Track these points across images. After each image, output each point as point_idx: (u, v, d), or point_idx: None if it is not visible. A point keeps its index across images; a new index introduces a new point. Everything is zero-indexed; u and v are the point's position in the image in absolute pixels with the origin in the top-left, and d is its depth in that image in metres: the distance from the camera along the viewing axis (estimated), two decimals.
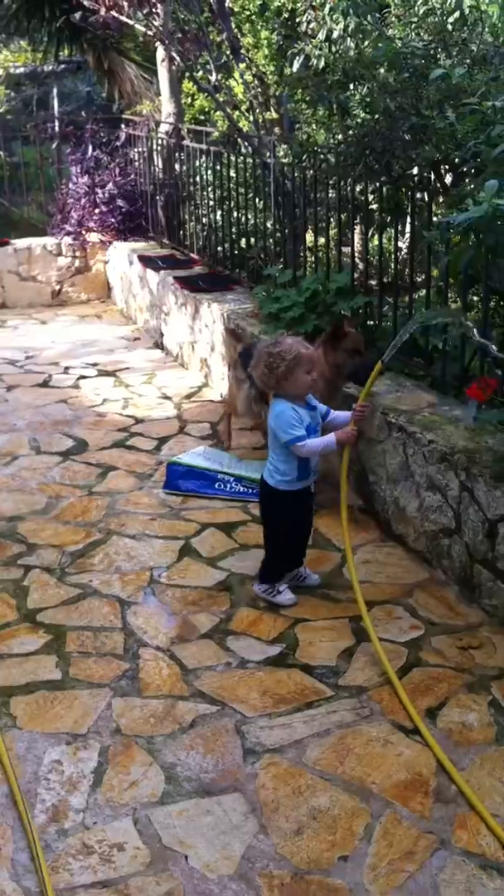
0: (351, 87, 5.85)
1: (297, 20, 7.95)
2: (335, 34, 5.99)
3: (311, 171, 6.00)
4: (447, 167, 4.93)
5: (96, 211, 9.63)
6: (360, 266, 6.45)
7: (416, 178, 5.14)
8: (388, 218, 5.40)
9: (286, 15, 8.74)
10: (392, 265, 5.40)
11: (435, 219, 4.57)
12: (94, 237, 9.67)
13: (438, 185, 5.02)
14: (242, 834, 2.80)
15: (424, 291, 5.12)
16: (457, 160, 4.53)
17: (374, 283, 5.97)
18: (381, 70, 4.83)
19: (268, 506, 4.12)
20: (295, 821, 2.85)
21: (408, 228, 5.50)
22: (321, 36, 6.26)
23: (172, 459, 5.39)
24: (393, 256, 5.38)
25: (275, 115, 9.52)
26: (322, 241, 6.32)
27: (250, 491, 5.06)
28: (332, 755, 3.13)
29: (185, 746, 3.18)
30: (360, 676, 3.56)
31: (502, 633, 3.81)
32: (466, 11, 4.91)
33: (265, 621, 3.96)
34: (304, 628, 3.90)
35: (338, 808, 2.90)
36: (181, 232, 8.85)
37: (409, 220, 5.22)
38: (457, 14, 5.07)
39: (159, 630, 3.88)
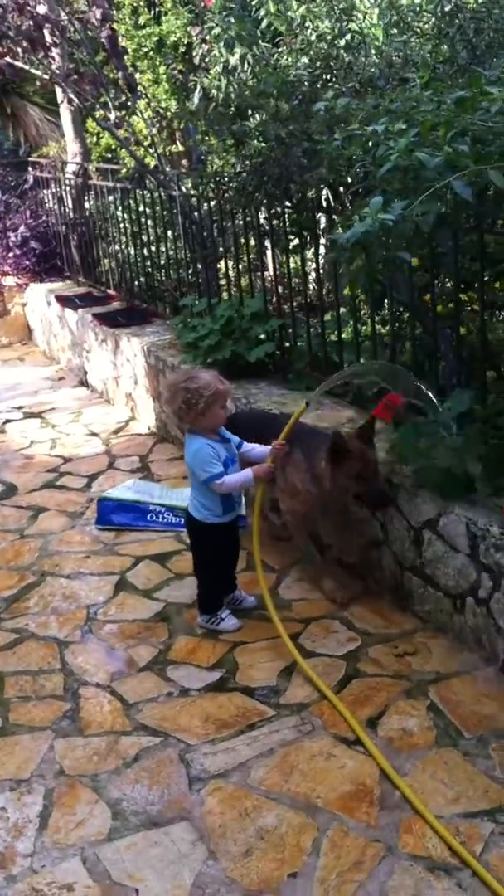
0: (249, 116, 5.97)
1: (193, 53, 8.08)
2: (231, 65, 6.10)
3: (216, 202, 6.09)
4: (344, 188, 5.05)
5: (10, 254, 9.62)
6: (275, 290, 6.53)
7: (314, 201, 5.25)
8: (296, 241, 5.50)
9: (183, 49, 8.87)
10: (303, 287, 5.50)
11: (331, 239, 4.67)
12: (9, 281, 9.66)
13: (339, 206, 5.13)
14: (192, 862, 2.81)
15: (337, 311, 5.22)
16: (351, 181, 4.64)
17: (288, 306, 6.07)
18: (272, 100, 4.94)
19: (197, 538, 4.15)
20: (243, 843, 2.87)
21: (313, 251, 5.59)
22: (217, 68, 6.37)
23: (103, 495, 5.39)
24: (303, 278, 5.47)
25: (181, 148, 9.62)
26: (233, 268, 6.41)
27: (182, 521, 5.08)
28: (276, 774, 3.16)
29: (129, 781, 3.18)
30: (301, 693, 3.60)
31: (436, 638, 3.89)
32: (349, 37, 5.04)
33: (204, 648, 3.98)
34: (243, 651, 3.93)
35: (285, 826, 2.93)
36: (97, 269, 8.89)
37: (316, 242, 5.31)
38: (345, 39, 5.21)
39: (99, 667, 3.88)
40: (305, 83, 4.76)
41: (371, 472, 3.97)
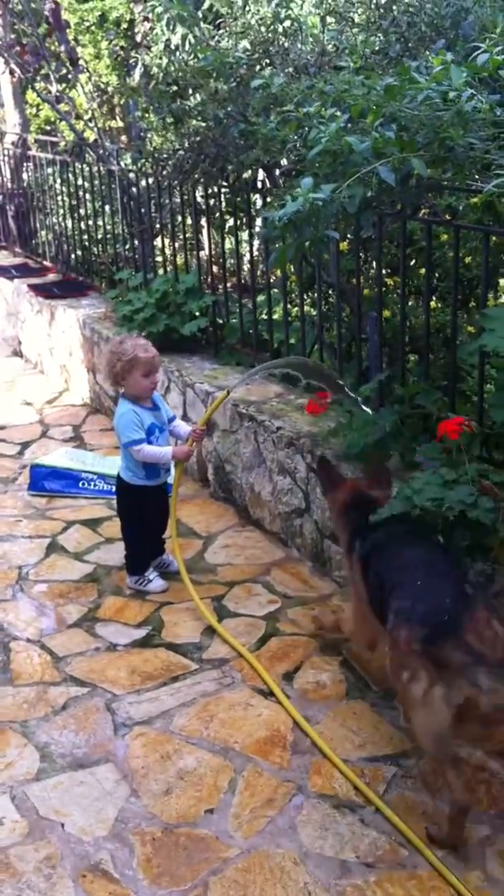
0: (188, 95, 6.10)
1: (136, 31, 8.17)
2: (172, 44, 6.22)
3: (154, 178, 6.22)
4: (278, 170, 5.23)
5: None
6: (209, 268, 6.69)
7: (250, 181, 5.42)
8: (231, 220, 5.67)
9: (125, 26, 8.94)
10: (237, 266, 5.67)
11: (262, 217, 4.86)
12: None
13: (273, 186, 5.31)
14: (115, 799, 3.00)
15: (271, 290, 5.41)
16: (285, 163, 4.83)
17: (221, 284, 6.23)
18: (211, 80, 5.08)
19: (124, 499, 4.32)
20: (164, 782, 3.06)
21: (252, 231, 5.76)
22: (159, 46, 6.48)
23: (36, 461, 5.51)
24: (237, 257, 5.65)
25: (121, 124, 9.69)
26: (170, 245, 6.54)
27: (113, 488, 5.24)
28: (197, 722, 3.35)
29: (58, 727, 3.35)
30: (223, 649, 3.79)
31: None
32: (287, 24, 5.21)
33: (131, 607, 4.15)
34: (169, 611, 4.11)
35: (203, 768, 3.13)
36: (33, 241, 8.93)
37: (251, 222, 5.48)
38: (281, 25, 5.37)
39: (29, 623, 4.03)
40: (244, 65, 4.91)
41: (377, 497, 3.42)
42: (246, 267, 5.84)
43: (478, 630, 2.57)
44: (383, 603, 2.99)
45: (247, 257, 5.77)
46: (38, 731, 3.32)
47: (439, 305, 5.19)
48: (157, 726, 3.34)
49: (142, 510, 4.27)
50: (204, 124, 5.11)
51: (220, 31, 6.19)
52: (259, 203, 5.74)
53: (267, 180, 5.47)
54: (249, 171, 5.22)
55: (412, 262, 5.12)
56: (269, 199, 5.14)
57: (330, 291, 5.16)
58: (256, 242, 6.37)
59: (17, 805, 2.98)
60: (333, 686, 3.54)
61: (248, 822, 2.89)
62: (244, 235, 5.60)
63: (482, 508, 3.04)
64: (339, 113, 3.67)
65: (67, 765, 3.16)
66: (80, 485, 5.37)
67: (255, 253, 5.41)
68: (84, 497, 5.30)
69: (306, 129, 3.76)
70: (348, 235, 4.49)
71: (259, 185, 5.42)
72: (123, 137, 9.90)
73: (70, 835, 2.85)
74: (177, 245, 6.33)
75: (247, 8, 5.99)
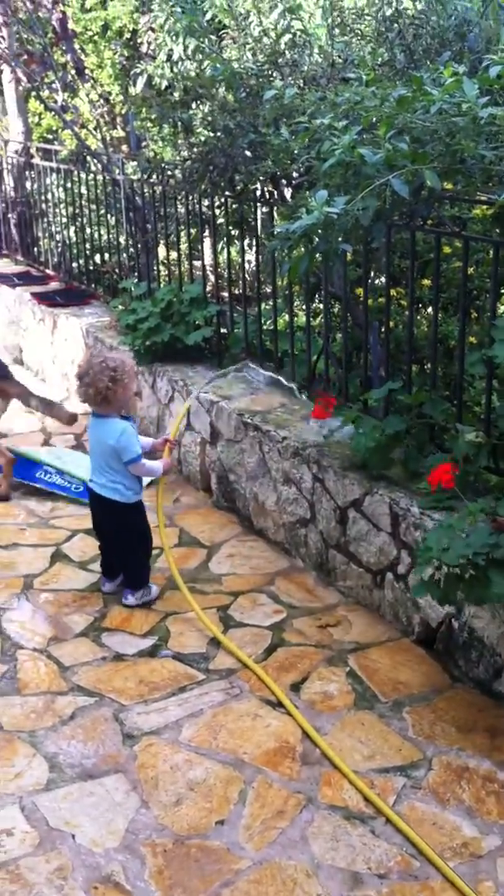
0: (193, 105, 6.12)
1: (139, 41, 8.19)
2: (175, 55, 6.24)
3: (160, 187, 6.23)
4: (286, 181, 5.24)
5: None
6: (212, 278, 6.71)
7: (257, 192, 5.43)
8: (235, 231, 5.68)
9: (128, 35, 8.97)
10: (241, 276, 5.68)
11: (276, 229, 4.87)
12: None
13: (280, 198, 5.33)
14: (125, 810, 2.99)
15: (272, 301, 5.42)
16: (294, 174, 4.84)
17: (225, 294, 6.25)
18: (220, 90, 5.10)
19: (128, 520, 4.23)
20: (174, 793, 3.06)
21: (258, 241, 5.77)
22: (162, 56, 6.51)
23: (12, 448, 5.63)
24: (241, 267, 5.66)
25: (122, 133, 9.72)
26: (174, 254, 6.55)
27: (69, 487, 5.40)
28: (205, 732, 3.35)
29: (66, 737, 3.34)
30: (229, 660, 3.79)
31: (357, 611, 4.12)
32: (296, 35, 5.24)
33: (137, 617, 4.14)
34: (175, 620, 4.11)
35: (213, 779, 3.12)
36: (35, 249, 8.94)
37: (255, 232, 5.50)
38: (288, 36, 5.40)
39: (35, 632, 4.02)
40: (253, 76, 4.93)
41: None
42: (249, 277, 5.85)
43: None
44: None
45: (251, 267, 5.77)
46: (46, 742, 3.31)
47: (441, 316, 5.20)
48: (166, 737, 3.33)
49: (146, 523, 4.26)
50: (212, 134, 5.12)
51: (224, 42, 6.22)
52: (263, 214, 5.76)
53: (273, 191, 5.48)
54: (257, 182, 5.23)
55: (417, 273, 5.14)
56: (275, 211, 5.16)
57: (334, 301, 5.18)
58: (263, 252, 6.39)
59: (27, 816, 2.97)
60: (341, 697, 3.54)
61: (260, 834, 2.89)
62: (250, 245, 5.60)
63: None
64: (350, 124, 3.69)
65: (77, 775, 3.15)
66: (37, 475, 5.49)
67: (260, 263, 5.42)
68: (82, 502, 5.32)
69: (317, 140, 3.77)
70: (355, 246, 4.50)
71: (266, 195, 5.42)
72: (124, 147, 9.92)
73: (81, 846, 2.84)
74: (181, 254, 6.34)
75: (250, 19, 6.02)
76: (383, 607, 4.02)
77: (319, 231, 3.31)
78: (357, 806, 3.01)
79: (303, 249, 3.42)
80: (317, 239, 3.37)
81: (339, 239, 3.49)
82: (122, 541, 4.27)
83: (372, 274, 5.03)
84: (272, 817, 2.96)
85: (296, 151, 4.37)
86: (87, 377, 4.03)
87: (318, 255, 3.39)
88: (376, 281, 5.15)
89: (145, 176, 6.41)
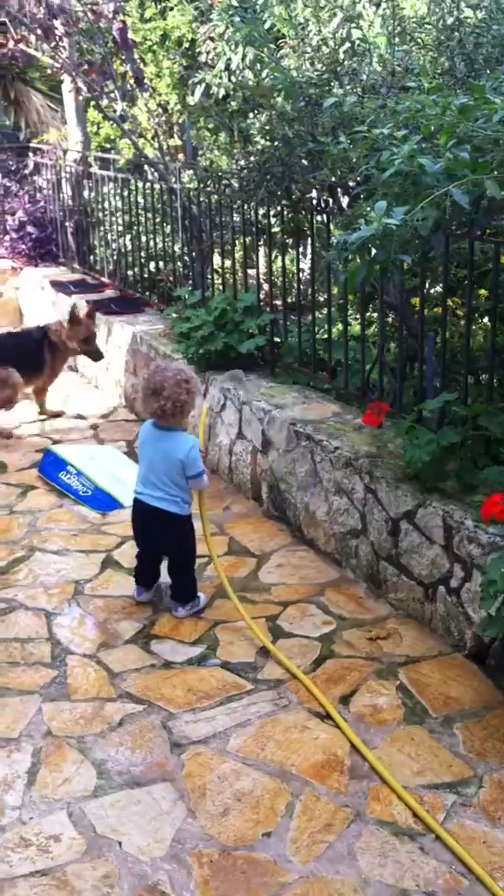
0: (251, 114, 6.13)
1: (197, 50, 8.23)
2: (234, 64, 6.27)
3: (216, 196, 6.25)
4: (343, 190, 5.22)
5: (6, 238, 9.73)
6: (266, 287, 6.71)
7: (314, 201, 5.43)
8: (290, 240, 5.68)
9: (186, 45, 9.02)
10: (295, 284, 5.67)
11: (333, 239, 4.85)
12: (4, 263, 9.77)
13: (336, 207, 5.31)
14: (172, 818, 2.98)
15: (326, 309, 5.40)
16: (351, 183, 4.82)
17: (278, 302, 6.25)
18: (279, 99, 5.10)
19: (184, 532, 4.22)
20: (221, 804, 3.04)
21: (309, 249, 5.77)
22: (220, 66, 6.53)
23: (49, 447, 5.81)
24: (296, 276, 5.65)
25: (178, 142, 9.77)
26: (228, 262, 6.57)
27: (80, 492, 5.46)
28: (253, 743, 3.33)
29: (114, 743, 3.34)
30: (278, 671, 3.77)
31: (408, 624, 4.07)
32: (356, 43, 5.22)
33: (186, 625, 4.14)
34: (224, 629, 4.10)
35: (260, 790, 3.10)
36: (91, 257, 9.02)
37: (309, 241, 5.49)
38: (347, 45, 5.39)
39: (85, 638, 4.04)
40: (313, 85, 4.93)
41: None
42: (303, 286, 5.85)
43: None
44: None
45: (305, 276, 5.77)
46: (94, 748, 3.32)
47: (499, 326, 5.14)
48: (213, 746, 3.32)
49: (195, 536, 4.26)
50: (270, 143, 5.12)
51: (282, 51, 6.23)
52: (319, 222, 5.74)
53: (329, 200, 5.47)
54: (314, 191, 5.22)
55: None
56: (329, 219, 5.14)
57: (388, 311, 5.14)
58: (319, 261, 6.38)
59: (75, 822, 2.97)
60: (390, 710, 3.50)
61: (307, 847, 2.86)
62: (303, 254, 5.60)
63: None
64: (410, 133, 3.66)
65: (124, 782, 3.15)
66: (59, 475, 5.61)
67: (314, 272, 5.41)
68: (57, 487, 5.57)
69: (376, 150, 3.75)
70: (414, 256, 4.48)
71: (322, 204, 5.41)
72: (181, 156, 9.98)
73: (127, 854, 2.84)
74: (236, 263, 6.35)
75: (309, 29, 6.02)
76: (434, 621, 3.97)
77: (377, 241, 3.28)
78: (406, 822, 2.96)
79: (361, 260, 3.39)
80: (374, 249, 3.34)
81: (398, 249, 3.46)
82: (176, 553, 4.26)
83: (427, 283, 4.99)
84: (319, 831, 2.93)
85: (354, 160, 4.35)
86: (164, 391, 4.02)
87: (375, 266, 3.35)
88: (432, 290, 5.10)
89: (201, 185, 6.43)
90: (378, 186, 3.68)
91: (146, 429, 4.21)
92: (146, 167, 7.69)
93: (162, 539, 4.23)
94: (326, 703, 3.50)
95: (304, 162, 4.96)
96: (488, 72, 4.91)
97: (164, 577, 4.34)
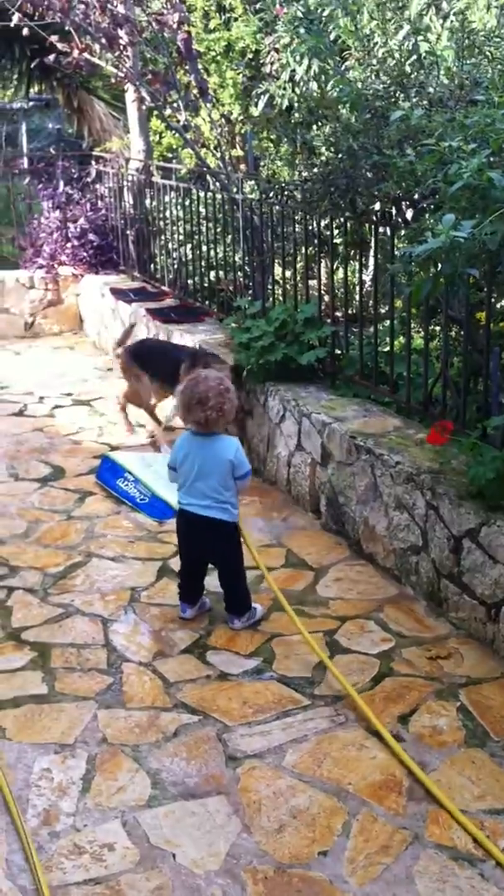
0: (314, 126, 6.12)
1: (261, 61, 8.26)
2: (298, 76, 6.27)
3: (279, 207, 6.24)
4: (408, 203, 5.18)
5: (68, 245, 9.83)
6: (326, 298, 6.68)
7: (378, 214, 5.39)
8: (353, 251, 5.64)
9: (250, 56, 9.05)
10: (357, 297, 5.63)
11: (397, 252, 4.81)
12: (66, 270, 9.86)
13: (400, 219, 5.27)
14: (227, 833, 2.95)
15: (388, 322, 5.36)
16: (416, 196, 4.78)
17: (339, 314, 6.22)
18: (344, 110, 5.09)
19: (235, 540, 4.20)
20: (276, 820, 3.01)
21: (370, 261, 5.73)
22: (284, 77, 6.54)
23: (107, 453, 5.84)
24: (357, 288, 5.61)
25: (240, 153, 9.80)
26: (289, 273, 6.55)
27: (137, 499, 5.47)
28: (309, 759, 3.29)
29: (169, 754, 3.33)
30: (335, 686, 3.72)
31: (469, 644, 4.00)
32: (423, 56, 5.19)
33: (243, 637, 4.12)
34: (280, 642, 4.07)
35: (316, 808, 3.06)
36: (152, 265, 9.07)
37: (371, 253, 5.46)
38: (414, 58, 5.36)
39: (141, 646, 4.03)
40: (379, 97, 4.91)
41: None
42: (364, 299, 5.81)
43: None
44: None
45: (367, 288, 5.74)
46: (149, 757, 3.31)
47: None
48: (269, 761, 3.29)
49: (241, 545, 4.25)
50: (335, 155, 5.10)
51: (347, 63, 6.21)
52: (381, 235, 5.71)
53: (393, 213, 5.44)
54: (379, 204, 5.19)
55: None
56: (394, 232, 5.11)
57: (452, 325, 5.09)
58: (385, 273, 6.35)
59: (129, 831, 2.96)
60: (451, 732, 3.44)
61: (364, 868, 2.81)
62: (365, 265, 5.56)
63: None
64: (479, 146, 3.62)
65: (179, 794, 3.13)
66: (117, 481, 5.63)
67: (376, 284, 5.37)
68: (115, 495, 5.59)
69: (444, 163, 3.71)
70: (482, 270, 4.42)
71: (384, 217, 5.38)
72: (242, 166, 10.01)
73: (181, 866, 2.82)
74: (297, 274, 6.33)
75: (375, 41, 6.00)
76: (497, 642, 3.90)
77: (444, 254, 3.24)
78: (465, 847, 2.90)
79: (426, 273, 3.35)
80: (441, 263, 3.30)
81: (464, 263, 3.42)
82: (225, 562, 4.23)
83: (494, 298, 4.93)
84: (377, 852, 2.88)
85: (420, 173, 4.32)
86: (209, 401, 4.00)
87: (441, 279, 3.31)
88: (498, 305, 5.03)
89: (264, 195, 6.43)
90: (445, 199, 3.65)
91: (185, 440, 4.15)
92: (208, 177, 7.71)
93: (212, 548, 4.20)
94: (378, 724, 3.44)
95: (369, 174, 4.93)
96: None
97: (216, 587, 4.31)
